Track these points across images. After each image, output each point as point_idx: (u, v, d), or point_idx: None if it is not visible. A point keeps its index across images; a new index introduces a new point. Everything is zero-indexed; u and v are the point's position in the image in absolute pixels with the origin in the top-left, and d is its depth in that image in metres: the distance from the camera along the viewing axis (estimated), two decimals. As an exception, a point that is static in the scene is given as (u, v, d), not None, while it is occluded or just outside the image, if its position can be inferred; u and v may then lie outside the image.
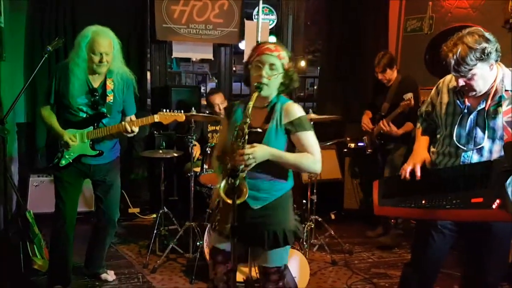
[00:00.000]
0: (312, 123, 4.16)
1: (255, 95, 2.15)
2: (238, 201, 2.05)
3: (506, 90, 2.22)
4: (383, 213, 2.65)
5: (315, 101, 6.68)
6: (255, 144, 2.12)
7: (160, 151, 4.06)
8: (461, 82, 2.21)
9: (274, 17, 8.23)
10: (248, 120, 2.11)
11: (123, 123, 3.11)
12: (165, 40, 5.36)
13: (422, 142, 2.52)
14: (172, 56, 5.74)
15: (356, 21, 5.76)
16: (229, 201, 2.07)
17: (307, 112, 4.33)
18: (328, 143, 4.68)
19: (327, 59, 6.02)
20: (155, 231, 3.99)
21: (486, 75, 2.20)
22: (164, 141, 4.50)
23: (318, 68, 6.90)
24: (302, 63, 15.91)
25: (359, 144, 5.04)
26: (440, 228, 2.42)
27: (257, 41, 3.15)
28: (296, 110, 2.25)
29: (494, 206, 1.95)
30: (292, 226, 2.32)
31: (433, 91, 2.52)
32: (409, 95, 4.12)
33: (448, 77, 2.44)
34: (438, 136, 2.47)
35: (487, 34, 2.16)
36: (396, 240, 4.40)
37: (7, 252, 3.21)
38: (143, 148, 5.12)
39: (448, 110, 2.38)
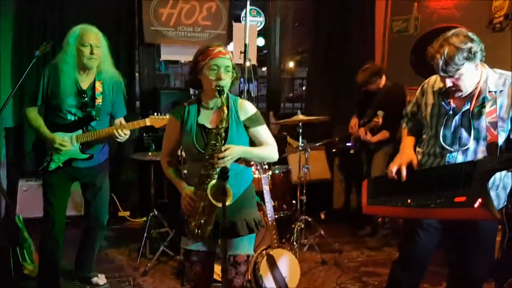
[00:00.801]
0: (301, 124, 4.21)
1: (223, 99, 2.23)
2: (227, 202, 2.08)
3: (489, 91, 2.25)
4: (371, 212, 2.69)
5: (304, 102, 6.72)
6: (228, 146, 2.21)
7: (150, 154, 4.06)
8: (449, 83, 2.24)
9: (262, 19, 8.26)
10: (225, 124, 2.21)
11: (113, 127, 3.10)
12: (153, 43, 5.36)
13: (408, 142, 2.56)
14: (161, 59, 5.74)
15: (342, 22, 5.81)
16: (219, 204, 2.09)
17: (296, 113, 4.41)
18: (317, 144, 4.70)
19: (315, 60, 6.07)
20: (145, 234, 3.98)
21: (472, 75, 2.23)
22: (154, 143, 4.49)
23: (307, 68, 6.94)
24: (291, 64, 15.97)
25: (347, 144, 5.10)
26: (426, 226, 2.46)
27: (245, 44, 3.17)
28: (251, 106, 2.38)
29: (476, 205, 1.99)
30: (257, 215, 2.42)
31: (418, 91, 2.56)
32: (380, 114, 4.22)
33: (433, 78, 2.47)
34: (424, 136, 2.50)
35: (471, 34, 2.20)
36: (383, 241, 4.46)
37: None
38: (133, 150, 5.11)
39: (433, 111, 2.41)
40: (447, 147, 2.34)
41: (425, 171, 2.40)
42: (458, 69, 2.17)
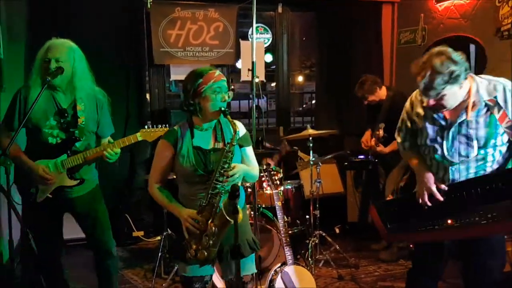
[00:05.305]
0: (311, 138, 4.21)
1: (230, 119, 2.27)
2: (239, 221, 2.09)
3: (490, 99, 2.24)
4: (398, 239, 2.62)
5: (313, 116, 6.72)
6: (234, 164, 2.25)
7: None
8: (431, 102, 2.24)
9: (269, 35, 8.34)
10: (235, 143, 2.25)
11: (102, 146, 2.85)
12: (163, 64, 5.43)
13: (420, 163, 2.46)
14: (170, 79, 5.79)
15: (349, 35, 5.82)
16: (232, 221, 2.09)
17: (305, 128, 4.41)
18: (328, 156, 4.67)
19: (322, 73, 6.08)
20: (160, 254, 3.98)
21: (456, 94, 2.22)
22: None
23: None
24: (300, 78, 16.02)
25: (360, 157, 5.07)
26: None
27: (253, 62, 3.21)
28: (241, 126, 2.42)
29: None
30: (252, 235, 2.47)
31: (407, 105, 2.53)
32: (381, 126, 4.26)
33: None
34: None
35: (454, 56, 2.17)
36: (397, 254, 4.39)
37: (13, 284, 3.16)
38: (145, 170, 5.14)
39: (426, 123, 2.39)
40: (450, 159, 2.31)
41: (453, 187, 2.31)
42: (439, 93, 2.17)
